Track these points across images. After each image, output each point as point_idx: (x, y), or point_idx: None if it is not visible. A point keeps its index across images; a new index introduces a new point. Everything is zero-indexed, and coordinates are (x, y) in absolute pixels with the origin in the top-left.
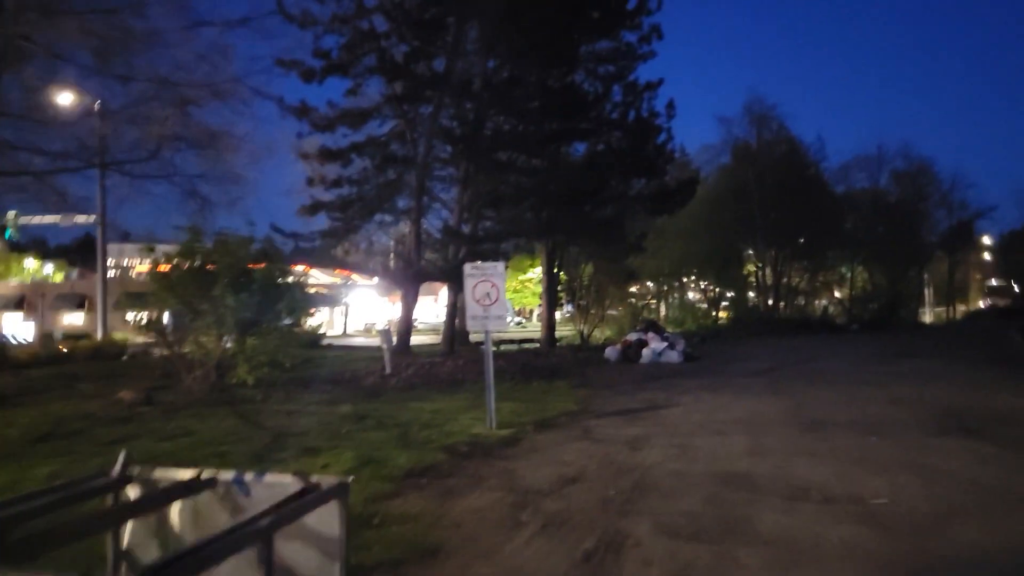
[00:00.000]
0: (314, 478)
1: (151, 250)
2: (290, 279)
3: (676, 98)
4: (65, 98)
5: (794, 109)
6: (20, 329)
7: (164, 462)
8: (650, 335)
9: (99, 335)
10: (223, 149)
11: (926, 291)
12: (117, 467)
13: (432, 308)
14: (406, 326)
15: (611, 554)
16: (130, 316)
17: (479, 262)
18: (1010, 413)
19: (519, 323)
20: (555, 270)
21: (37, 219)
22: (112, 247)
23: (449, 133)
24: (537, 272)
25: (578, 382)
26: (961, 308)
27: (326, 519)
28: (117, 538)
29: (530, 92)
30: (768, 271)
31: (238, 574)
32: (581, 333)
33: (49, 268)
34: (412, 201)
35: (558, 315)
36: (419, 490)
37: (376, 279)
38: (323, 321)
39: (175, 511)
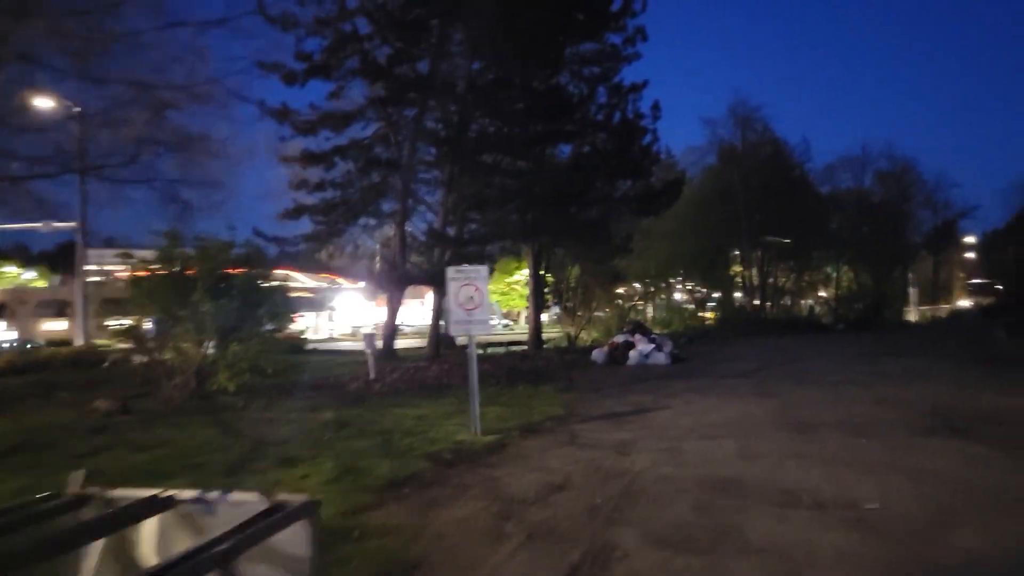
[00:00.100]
0: (281, 496)
1: (128, 256)
2: (272, 283)
3: (661, 100)
4: (41, 102)
5: (779, 110)
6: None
7: (138, 474)
8: (637, 337)
9: (79, 342)
10: (203, 153)
11: (911, 290)
12: (74, 486)
13: (419, 311)
14: (391, 330)
15: (598, 567)
16: (109, 323)
17: (463, 265)
18: (996, 412)
19: (507, 325)
20: (541, 272)
21: (18, 225)
22: (94, 253)
23: (433, 135)
24: (524, 274)
25: (565, 385)
26: (945, 307)
27: (294, 540)
28: (73, 563)
29: (515, 94)
30: (754, 271)
31: None
32: (568, 335)
33: (31, 274)
34: (396, 204)
35: (545, 317)
36: (400, 501)
37: (361, 282)
38: (308, 325)
39: (135, 533)
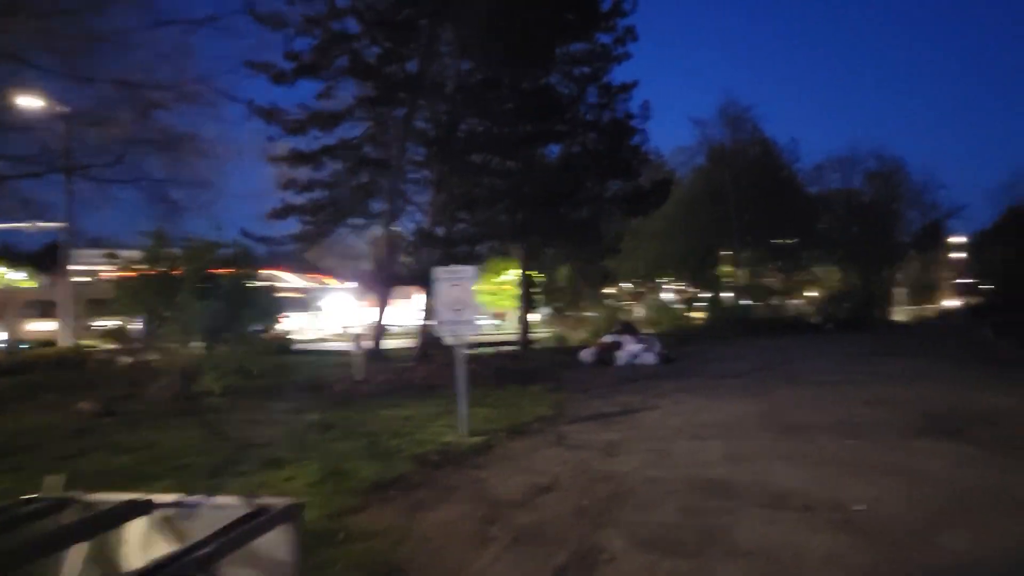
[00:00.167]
0: (264, 499)
1: (114, 256)
2: (258, 284)
3: (651, 100)
4: (27, 101)
5: (768, 111)
6: None
7: (121, 477)
8: (626, 337)
9: (65, 342)
10: (191, 153)
11: (899, 290)
12: (52, 490)
13: (408, 310)
14: (379, 330)
15: (584, 570)
16: (95, 323)
17: (451, 265)
18: (990, 413)
19: (497, 325)
20: (531, 272)
21: (3, 225)
22: (80, 253)
23: (423, 135)
24: (514, 274)
25: (553, 386)
26: (933, 306)
27: (277, 543)
28: (52, 568)
29: (504, 94)
30: (744, 271)
31: None
32: (558, 335)
33: (18, 274)
34: (385, 204)
35: (535, 317)
36: (386, 503)
37: (350, 283)
38: (296, 326)
39: (116, 538)
